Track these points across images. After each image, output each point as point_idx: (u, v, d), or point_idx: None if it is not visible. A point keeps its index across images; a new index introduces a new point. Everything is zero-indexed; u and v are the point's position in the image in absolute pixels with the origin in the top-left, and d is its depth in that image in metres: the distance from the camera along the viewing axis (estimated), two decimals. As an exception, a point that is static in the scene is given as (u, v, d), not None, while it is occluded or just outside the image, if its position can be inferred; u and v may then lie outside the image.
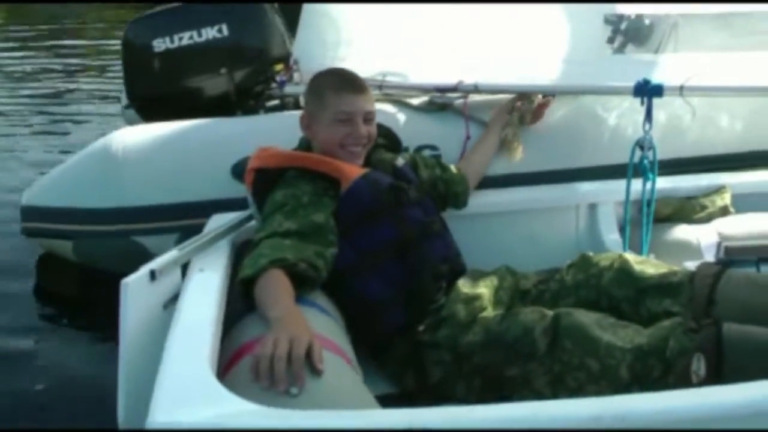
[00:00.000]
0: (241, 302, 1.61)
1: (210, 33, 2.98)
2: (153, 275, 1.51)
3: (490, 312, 1.81)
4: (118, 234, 2.52)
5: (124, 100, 3.46)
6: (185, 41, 2.97)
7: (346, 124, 1.93)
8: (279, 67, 3.16)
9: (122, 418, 1.45)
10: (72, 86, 6.57)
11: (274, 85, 3.19)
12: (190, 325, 1.38)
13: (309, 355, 1.31)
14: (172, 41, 2.97)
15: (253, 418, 1.12)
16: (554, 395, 1.63)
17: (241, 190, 2.29)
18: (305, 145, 2.05)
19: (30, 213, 2.72)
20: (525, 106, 2.43)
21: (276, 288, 1.56)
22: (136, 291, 1.47)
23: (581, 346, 1.63)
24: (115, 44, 7.46)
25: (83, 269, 2.74)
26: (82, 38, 9.44)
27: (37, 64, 7.62)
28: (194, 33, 2.97)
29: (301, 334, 1.35)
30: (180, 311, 1.43)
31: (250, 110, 3.05)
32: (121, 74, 3.20)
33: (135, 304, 1.47)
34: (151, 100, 3.07)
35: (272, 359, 1.28)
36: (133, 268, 2.48)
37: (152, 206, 2.47)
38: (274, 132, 2.44)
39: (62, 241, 2.68)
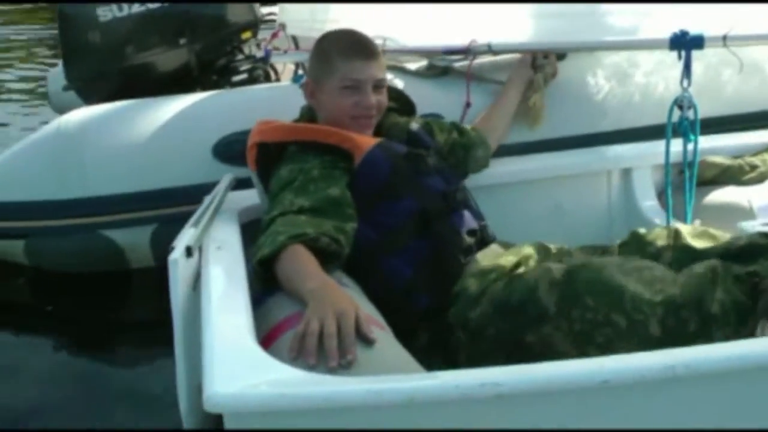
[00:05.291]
0: (258, 284, 1.81)
1: None
2: (189, 251, 1.71)
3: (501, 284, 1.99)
4: (82, 228, 2.67)
5: (58, 82, 3.58)
6: (136, 8, 3.08)
7: (354, 93, 2.12)
8: (246, 35, 3.34)
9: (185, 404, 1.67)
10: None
11: (240, 56, 3.38)
12: (224, 301, 1.58)
13: (358, 326, 1.51)
14: (120, 8, 3.07)
15: (317, 385, 1.32)
16: (582, 355, 1.77)
17: (224, 171, 2.50)
18: (308, 116, 2.26)
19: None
20: (551, 65, 2.66)
21: (303, 262, 1.75)
22: (182, 269, 1.67)
23: (604, 300, 1.81)
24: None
25: (36, 273, 2.86)
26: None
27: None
28: None
29: (346, 307, 1.54)
30: (209, 288, 1.63)
31: (212, 86, 3.18)
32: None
33: (182, 283, 1.67)
34: (96, 79, 3.19)
35: (320, 336, 1.47)
36: (101, 266, 2.69)
37: (122, 195, 2.64)
38: (259, 106, 2.64)
39: (10, 241, 2.78)
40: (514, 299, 1.91)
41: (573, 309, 1.84)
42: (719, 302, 1.78)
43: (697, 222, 2.41)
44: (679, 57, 2.43)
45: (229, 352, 1.40)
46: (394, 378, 1.37)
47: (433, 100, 2.68)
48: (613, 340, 1.80)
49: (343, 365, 1.44)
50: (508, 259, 2.05)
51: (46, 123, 3.00)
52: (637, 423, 1.40)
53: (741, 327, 1.76)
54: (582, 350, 1.82)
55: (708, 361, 1.40)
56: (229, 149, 2.59)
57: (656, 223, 2.45)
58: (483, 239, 2.14)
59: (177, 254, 1.66)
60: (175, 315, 1.69)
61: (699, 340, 1.73)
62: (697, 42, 2.43)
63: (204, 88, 3.06)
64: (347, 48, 2.16)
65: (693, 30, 2.42)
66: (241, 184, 2.35)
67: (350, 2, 2.82)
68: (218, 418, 1.33)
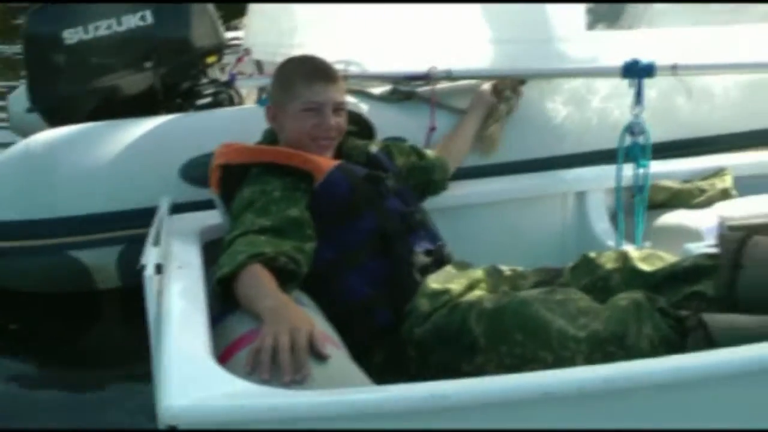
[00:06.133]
0: (217, 303, 1.87)
1: (132, 21, 3.12)
2: (159, 269, 1.77)
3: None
4: (49, 249, 2.70)
5: (20, 103, 3.59)
6: (102, 31, 3.11)
7: (315, 115, 2.20)
8: (211, 59, 3.40)
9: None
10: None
11: (205, 80, 3.43)
12: (182, 317, 1.64)
13: (312, 342, 1.57)
14: (86, 31, 3.09)
15: (268, 398, 1.38)
16: None
17: (191, 193, 2.57)
18: (270, 139, 2.33)
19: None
20: (516, 98, 2.76)
21: (261, 281, 1.82)
22: (155, 285, 1.74)
23: (532, 337, 1.87)
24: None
25: (1, 293, 2.85)
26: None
27: None
28: (113, 21, 3.10)
29: (301, 323, 1.61)
30: (169, 306, 1.69)
31: (177, 109, 3.21)
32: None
33: (154, 298, 1.74)
34: (61, 101, 3.20)
35: (274, 351, 1.53)
36: (67, 286, 2.72)
37: (90, 216, 2.67)
38: (226, 128, 2.70)
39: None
40: (452, 328, 1.98)
41: (502, 344, 1.91)
42: (648, 338, 1.83)
43: (648, 244, 2.50)
44: (631, 85, 2.53)
45: (185, 367, 1.46)
46: (343, 391, 1.43)
47: (397, 124, 2.75)
48: None
49: (297, 380, 1.50)
50: (460, 282, 2.12)
51: (4, 145, 3.01)
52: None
53: None
54: None
55: (644, 375, 1.47)
56: (196, 171, 2.63)
57: (609, 245, 2.54)
58: (440, 259, 2.21)
59: (150, 271, 1.73)
60: (152, 330, 1.75)
61: None
62: (648, 70, 2.55)
63: (169, 112, 3.09)
64: (308, 72, 2.24)
65: (645, 59, 2.54)
66: (206, 205, 2.40)
67: (319, 2, 2.87)
68: None
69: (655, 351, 1.79)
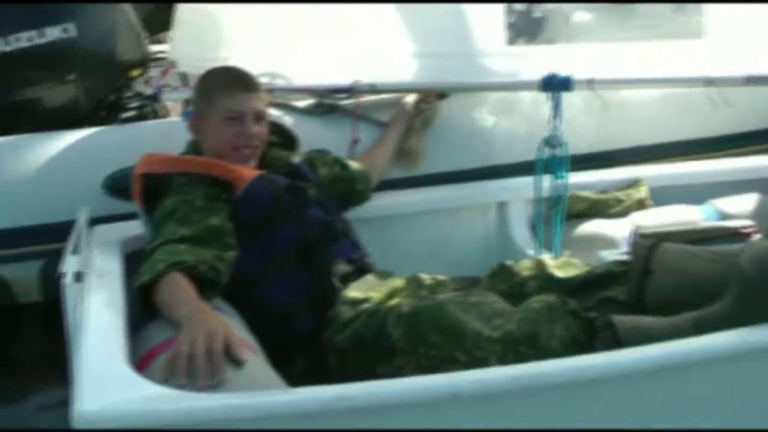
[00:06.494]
0: (138, 312, 1.88)
1: (54, 33, 3.06)
2: (79, 277, 1.77)
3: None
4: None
5: None
6: (23, 43, 3.04)
7: (236, 124, 2.23)
8: (135, 72, 3.39)
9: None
10: None
11: (129, 93, 3.42)
12: (99, 325, 1.65)
13: (228, 348, 1.60)
14: (6, 43, 3.03)
15: (182, 401, 1.40)
16: None
17: (114, 206, 2.56)
18: (193, 149, 2.34)
19: None
20: (430, 110, 2.81)
21: (180, 288, 1.84)
22: (74, 294, 1.74)
23: (447, 338, 1.91)
24: None
25: None
26: None
27: None
28: (34, 33, 3.05)
29: (217, 329, 1.64)
30: (87, 314, 1.70)
31: (101, 123, 3.18)
32: None
33: (73, 307, 1.74)
34: None
35: (190, 357, 1.55)
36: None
37: (12, 230, 2.65)
38: (149, 141, 2.69)
39: None
40: (370, 333, 2.01)
41: (419, 346, 1.94)
42: (559, 338, 1.88)
43: (567, 253, 2.57)
44: (548, 98, 2.60)
45: (100, 372, 1.48)
46: (254, 393, 1.45)
47: (320, 137, 2.78)
48: None
49: (213, 385, 1.52)
50: (380, 290, 2.16)
51: None
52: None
53: None
54: None
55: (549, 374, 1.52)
56: (120, 183, 2.62)
57: (528, 254, 2.59)
58: (361, 269, 2.25)
59: (69, 279, 1.74)
60: (71, 338, 1.75)
61: None
62: (566, 84, 2.63)
63: (92, 125, 3.07)
64: (228, 82, 2.28)
65: (563, 73, 2.62)
66: (129, 218, 2.40)
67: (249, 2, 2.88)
68: None
69: (566, 351, 1.84)
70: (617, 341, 1.81)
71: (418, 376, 1.56)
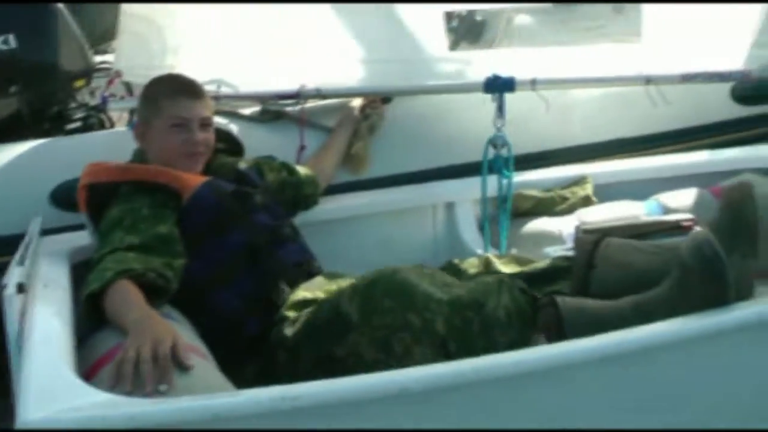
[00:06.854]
0: (86, 321, 1.88)
1: None
2: (21, 288, 1.77)
3: None
4: None
5: None
6: None
7: (182, 131, 2.24)
8: (80, 83, 3.37)
9: None
10: None
11: (73, 104, 3.40)
12: (45, 334, 1.65)
13: (175, 353, 1.61)
14: None
15: (125, 407, 1.40)
16: (388, 363, 1.88)
17: (61, 218, 2.55)
18: (139, 158, 2.35)
19: None
20: (376, 115, 2.84)
21: (128, 296, 1.85)
22: (15, 305, 1.74)
23: (399, 300, 1.93)
24: None
25: None
26: None
27: None
28: None
29: (164, 335, 1.65)
30: (33, 323, 1.70)
31: (45, 135, 3.15)
32: None
33: (17, 319, 1.74)
34: None
35: (136, 362, 1.56)
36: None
37: None
38: (95, 151, 2.66)
39: None
40: (321, 319, 2.03)
41: (373, 314, 1.95)
42: (505, 308, 1.95)
43: (514, 251, 2.61)
44: (493, 99, 2.64)
45: (45, 381, 1.48)
46: (199, 397, 1.46)
47: (267, 143, 2.79)
48: (410, 345, 1.92)
49: (160, 390, 1.53)
50: (329, 289, 2.17)
51: None
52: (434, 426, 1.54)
53: (522, 335, 1.93)
54: (386, 360, 1.93)
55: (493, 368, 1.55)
56: (66, 195, 2.61)
57: (477, 252, 2.63)
58: (309, 272, 2.28)
59: (11, 290, 1.73)
60: (11, 349, 1.75)
61: (481, 341, 1.90)
62: (509, 85, 2.67)
63: (36, 137, 3.02)
64: (173, 89, 2.29)
65: (506, 74, 2.66)
66: (77, 229, 2.39)
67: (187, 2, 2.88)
68: None
69: (509, 321, 1.93)
70: (559, 319, 1.88)
71: (362, 375, 1.56)
